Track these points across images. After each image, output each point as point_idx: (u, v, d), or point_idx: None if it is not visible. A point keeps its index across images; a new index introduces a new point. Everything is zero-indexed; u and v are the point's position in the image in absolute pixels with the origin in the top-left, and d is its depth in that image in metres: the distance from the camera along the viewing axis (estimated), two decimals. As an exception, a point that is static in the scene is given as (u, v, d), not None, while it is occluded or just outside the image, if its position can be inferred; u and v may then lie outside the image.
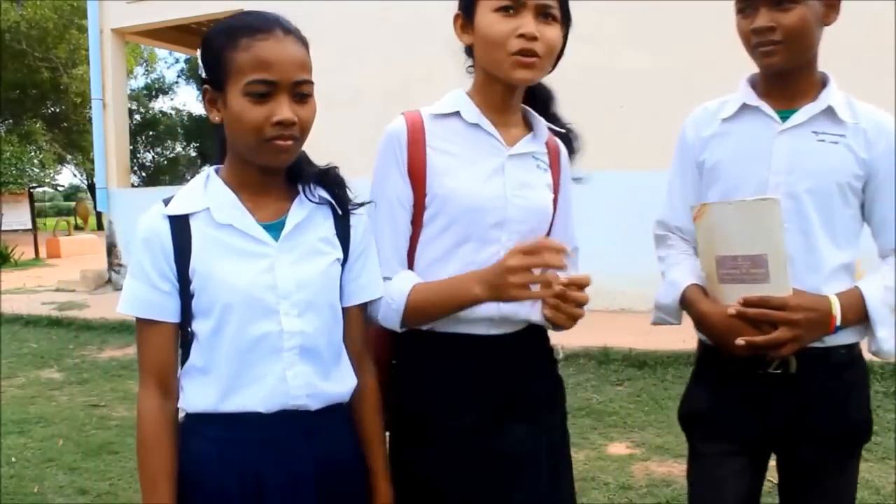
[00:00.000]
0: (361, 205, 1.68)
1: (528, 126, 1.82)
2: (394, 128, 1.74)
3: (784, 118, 1.83)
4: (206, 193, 1.56)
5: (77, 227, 26.76)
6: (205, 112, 1.58)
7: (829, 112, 1.81)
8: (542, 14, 1.65)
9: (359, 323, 1.69)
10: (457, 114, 1.75)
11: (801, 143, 1.81)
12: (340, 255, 1.62)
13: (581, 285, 1.58)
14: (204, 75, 1.55)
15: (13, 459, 4.43)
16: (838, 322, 1.74)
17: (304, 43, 1.54)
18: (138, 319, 1.55)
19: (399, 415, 1.79)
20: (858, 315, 1.77)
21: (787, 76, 1.83)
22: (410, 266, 1.75)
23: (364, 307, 1.70)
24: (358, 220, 1.66)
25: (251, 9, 1.62)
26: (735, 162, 1.87)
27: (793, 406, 1.82)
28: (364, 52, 8.90)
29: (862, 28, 6.01)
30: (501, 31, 1.63)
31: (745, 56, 1.88)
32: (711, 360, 1.93)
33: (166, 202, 1.56)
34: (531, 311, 1.73)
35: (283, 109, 1.46)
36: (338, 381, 1.61)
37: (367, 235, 1.68)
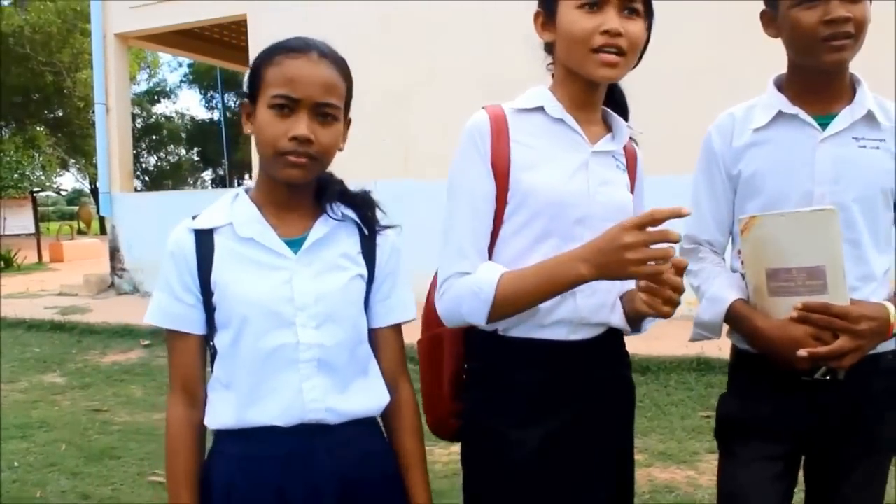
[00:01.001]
0: (389, 227, 1.70)
1: (608, 126, 1.79)
2: (476, 121, 1.70)
3: (821, 124, 1.79)
4: (233, 209, 1.61)
5: (80, 232, 26.79)
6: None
7: (868, 116, 1.78)
8: (626, 9, 1.62)
9: (393, 344, 1.71)
10: (540, 109, 1.72)
11: (844, 150, 1.77)
12: (364, 272, 1.63)
13: (680, 268, 1.49)
14: (246, 90, 1.61)
15: (15, 464, 4.42)
16: (895, 329, 1.72)
17: (341, 70, 1.58)
18: (167, 330, 1.60)
19: (470, 424, 1.77)
20: None
21: (831, 77, 1.78)
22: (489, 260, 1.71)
23: (398, 328, 1.71)
24: (384, 241, 1.68)
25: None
26: (776, 173, 1.81)
27: (839, 410, 1.79)
28: (364, 54, 8.91)
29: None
30: (585, 27, 1.61)
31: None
32: (747, 366, 1.90)
33: (195, 217, 1.61)
34: (611, 314, 1.70)
35: (300, 126, 1.50)
36: (362, 397, 1.61)
37: (393, 257, 1.69)
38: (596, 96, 1.74)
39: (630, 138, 1.83)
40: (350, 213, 1.65)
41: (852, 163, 1.76)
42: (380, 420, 1.70)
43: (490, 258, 1.69)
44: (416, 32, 8.69)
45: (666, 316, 1.54)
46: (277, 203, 1.61)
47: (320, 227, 1.61)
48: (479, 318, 1.63)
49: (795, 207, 1.73)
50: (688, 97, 6.88)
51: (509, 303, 1.61)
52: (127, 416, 5.28)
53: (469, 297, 1.62)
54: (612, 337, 1.76)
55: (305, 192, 1.62)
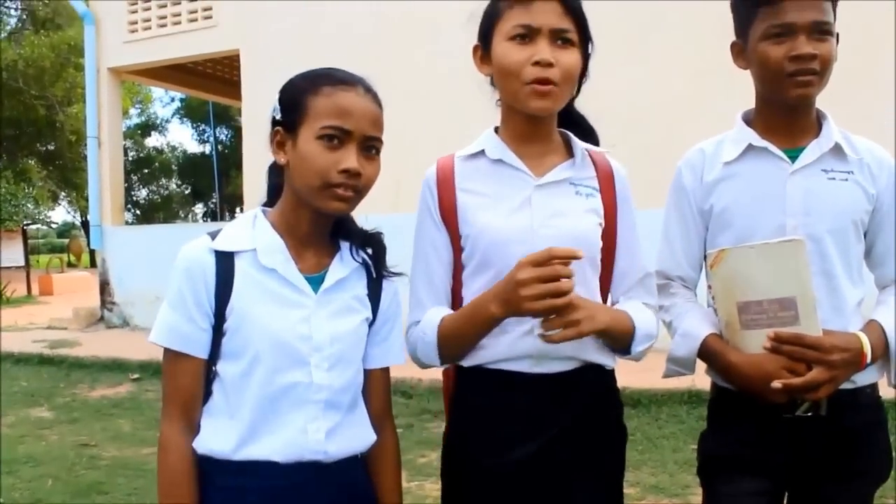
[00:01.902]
0: (396, 274, 1.70)
1: (571, 152, 1.77)
2: (427, 174, 1.77)
3: (789, 157, 1.81)
4: (255, 234, 1.58)
5: (70, 265, 26.73)
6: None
7: (836, 149, 1.81)
8: (558, 39, 1.62)
9: (383, 385, 1.72)
10: (483, 152, 1.75)
11: (814, 182, 1.79)
12: (370, 315, 1.65)
13: (571, 257, 1.51)
14: (278, 117, 1.58)
15: (1, 500, 4.36)
16: (869, 359, 1.73)
17: (380, 105, 1.59)
18: (168, 350, 1.55)
19: (445, 453, 1.79)
20: (882, 350, 1.77)
21: (797, 111, 1.81)
22: (460, 305, 1.73)
23: (387, 371, 1.73)
24: (389, 286, 1.69)
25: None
26: (747, 206, 1.82)
27: (820, 445, 1.79)
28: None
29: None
30: (516, 59, 1.62)
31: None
32: (728, 403, 1.89)
33: (213, 236, 1.57)
34: (581, 349, 1.68)
35: (351, 158, 1.50)
36: (354, 436, 1.62)
37: (395, 302, 1.71)
38: (542, 127, 1.73)
39: (600, 157, 1.80)
40: (362, 254, 1.66)
41: (823, 194, 1.79)
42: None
43: (462, 300, 1.73)
44: (408, 70, 8.76)
45: (563, 338, 1.55)
46: (299, 235, 1.59)
47: (340, 268, 1.61)
48: (432, 360, 1.71)
49: (768, 239, 1.74)
50: (675, 137, 6.96)
51: (450, 344, 1.68)
52: (115, 450, 5.23)
53: (420, 341, 1.70)
54: (593, 373, 1.73)
55: (326, 227, 1.62)
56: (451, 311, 1.72)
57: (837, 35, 1.77)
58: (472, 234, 1.70)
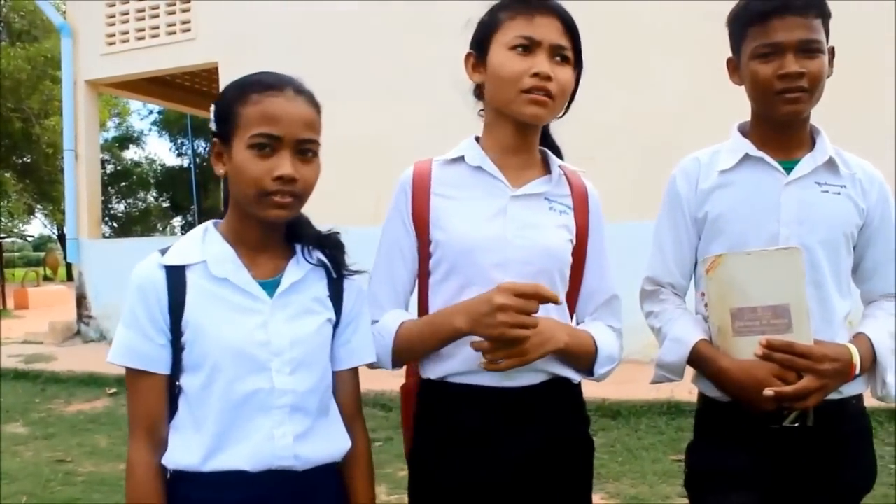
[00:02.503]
0: (357, 272, 1.69)
1: (548, 169, 1.81)
2: (401, 178, 1.78)
3: (784, 168, 1.84)
4: (204, 246, 1.57)
5: (46, 278, 26.41)
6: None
7: (829, 163, 1.84)
8: (557, 55, 1.66)
9: (351, 386, 1.70)
10: (462, 158, 1.76)
11: (808, 194, 1.82)
12: (332, 316, 1.63)
13: (553, 300, 1.57)
14: (214, 128, 1.58)
15: (-25, 518, 4.31)
16: (858, 371, 1.75)
17: (315, 105, 1.57)
18: (129, 370, 1.55)
19: (412, 467, 1.80)
20: (870, 362, 1.79)
21: (791, 126, 1.84)
22: (425, 311, 1.76)
23: (356, 371, 1.71)
24: (351, 285, 1.68)
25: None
26: (741, 214, 1.85)
27: (808, 456, 1.80)
28: (335, 101, 8.98)
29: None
30: (516, 69, 1.65)
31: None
32: (716, 414, 1.89)
33: (163, 252, 1.57)
34: (549, 362, 1.69)
35: (285, 165, 1.48)
36: (328, 442, 1.60)
37: (359, 301, 1.69)
38: (527, 139, 1.76)
39: (575, 177, 1.84)
40: (319, 255, 1.64)
41: (816, 206, 1.81)
42: None
43: (428, 305, 1.75)
44: (390, 80, 8.78)
45: (500, 369, 1.60)
46: (250, 242, 1.59)
47: (295, 271, 1.60)
48: (385, 363, 1.74)
49: (762, 247, 1.77)
50: (658, 150, 7.01)
51: (406, 350, 1.71)
52: (92, 466, 5.17)
53: (376, 343, 1.71)
54: (559, 386, 1.74)
55: (277, 231, 1.61)
56: (410, 317, 1.74)
57: (833, 50, 1.81)
58: (444, 239, 1.71)
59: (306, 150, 1.53)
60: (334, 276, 1.65)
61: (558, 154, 1.88)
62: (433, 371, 1.73)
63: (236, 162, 1.51)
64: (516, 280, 1.63)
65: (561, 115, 1.77)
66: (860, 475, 1.88)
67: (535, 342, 1.58)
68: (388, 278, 1.78)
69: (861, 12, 6.56)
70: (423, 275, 1.77)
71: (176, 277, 1.53)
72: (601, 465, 4.76)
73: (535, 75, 1.64)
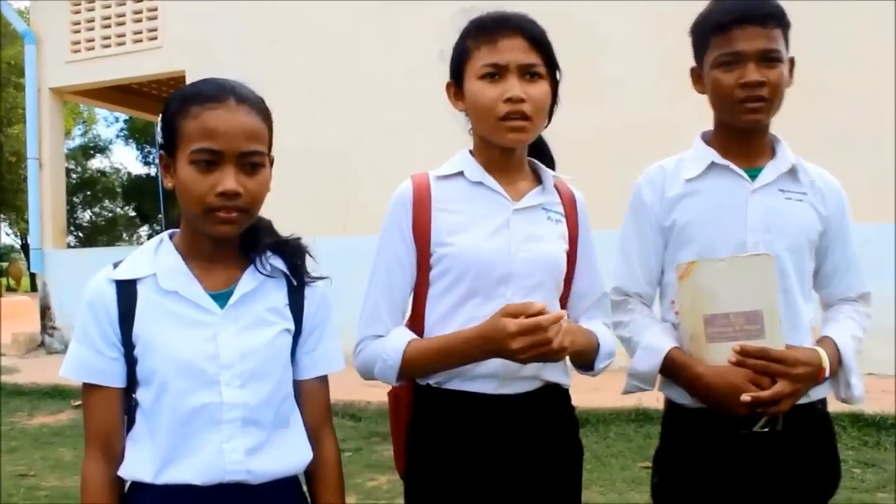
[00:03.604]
0: (318, 279, 1.66)
1: (538, 179, 1.84)
2: (400, 191, 1.78)
3: (749, 176, 1.86)
4: (156, 259, 1.55)
5: (9, 289, 26.01)
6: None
7: (791, 171, 1.87)
8: (527, 74, 1.68)
9: (317, 397, 1.67)
10: (461, 174, 1.78)
11: (773, 201, 1.85)
12: (291, 325, 1.59)
13: (556, 321, 1.58)
14: (160, 141, 1.55)
15: (-66, 534, 4.21)
16: (827, 374, 1.78)
17: (260, 112, 1.53)
18: (84, 384, 1.53)
19: (409, 474, 1.79)
20: (836, 365, 1.82)
21: (752, 134, 1.87)
22: (421, 322, 1.77)
23: (324, 380, 1.68)
24: (313, 292, 1.64)
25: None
26: (708, 222, 1.86)
27: (778, 461, 1.81)
28: (305, 110, 8.96)
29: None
30: (488, 97, 1.67)
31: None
32: (683, 421, 1.90)
33: (116, 265, 1.54)
34: (543, 369, 1.73)
35: (227, 180, 1.45)
36: (284, 456, 1.57)
37: (322, 308, 1.66)
38: (514, 158, 1.80)
39: (562, 184, 1.87)
40: (279, 263, 1.61)
41: (781, 213, 1.84)
42: (301, 476, 1.66)
43: (424, 316, 1.76)
44: (358, 89, 8.77)
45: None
46: (202, 254, 1.56)
47: (248, 282, 1.57)
48: (389, 380, 1.74)
49: (730, 255, 1.79)
50: (632, 161, 7.07)
51: (414, 369, 1.72)
52: (56, 480, 5.06)
53: (380, 361, 1.72)
54: (552, 393, 1.78)
55: (232, 242, 1.58)
56: (414, 336, 1.74)
57: (792, 59, 1.85)
58: (449, 253, 1.72)
59: (250, 162, 1.48)
60: (294, 283, 1.62)
61: (550, 156, 1.92)
62: (429, 378, 1.74)
63: (180, 178, 1.48)
64: (518, 291, 1.70)
65: (546, 126, 1.80)
66: (826, 478, 1.90)
67: (568, 340, 1.59)
68: (387, 292, 1.78)
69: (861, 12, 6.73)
70: (422, 286, 1.78)
71: (126, 291, 1.51)
72: (571, 473, 4.78)
73: (508, 100, 1.66)
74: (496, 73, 1.68)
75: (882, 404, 5.40)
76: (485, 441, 1.70)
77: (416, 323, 1.79)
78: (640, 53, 7.39)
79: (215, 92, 1.49)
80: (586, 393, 6.16)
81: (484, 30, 1.71)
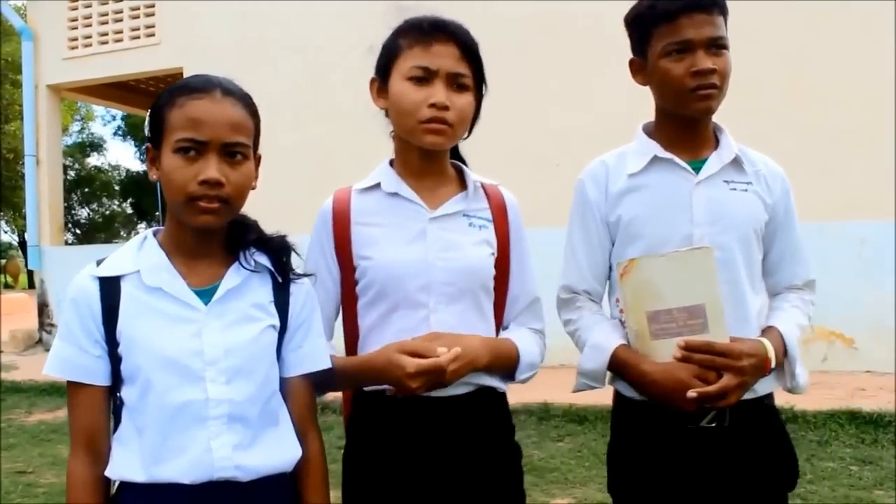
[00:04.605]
0: (304, 275, 1.66)
1: (464, 184, 1.83)
2: (323, 208, 1.80)
3: (692, 168, 1.85)
4: (140, 255, 1.55)
5: (7, 286, 26.00)
6: (144, 169, 1.59)
7: (735, 161, 1.86)
8: (455, 83, 1.69)
9: (303, 394, 1.66)
10: (379, 185, 1.79)
11: (718, 193, 1.84)
12: (276, 322, 1.59)
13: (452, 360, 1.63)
14: (147, 134, 1.55)
15: (-68, 531, 4.21)
16: (773, 365, 1.77)
17: (246, 106, 1.54)
18: (68, 382, 1.52)
19: (345, 477, 1.79)
20: (781, 355, 1.81)
21: (698, 125, 1.86)
22: (355, 333, 1.78)
23: (309, 377, 1.67)
24: (298, 289, 1.64)
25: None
26: (654, 217, 1.85)
27: (728, 457, 1.81)
28: (298, 110, 8.95)
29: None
30: (413, 100, 1.68)
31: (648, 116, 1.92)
32: (632, 415, 1.89)
33: (100, 262, 1.54)
34: (474, 374, 1.73)
35: (209, 169, 1.45)
36: (274, 452, 1.56)
37: (308, 305, 1.66)
38: (435, 161, 1.80)
39: (492, 189, 1.87)
40: (264, 260, 1.61)
41: (726, 205, 1.83)
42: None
43: (356, 325, 1.79)
44: (357, 89, 8.76)
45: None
46: (186, 250, 1.56)
47: (232, 277, 1.56)
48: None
49: (677, 249, 1.77)
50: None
51: (327, 384, 1.73)
52: (53, 477, 5.08)
53: None
54: (487, 396, 1.78)
55: (216, 237, 1.58)
56: (332, 350, 1.76)
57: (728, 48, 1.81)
58: (369, 266, 1.74)
59: (234, 153, 1.49)
60: (280, 280, 1.62)
61: (462, 159, 1.91)
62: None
63: (164, 167, 1.49)
64: (440, 300, 1.72)
65: (465, 137, 1.80)
66: (780, 473, 1.88)
67: (454, 370, 1.64)
68: None
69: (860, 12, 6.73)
70: (351, 299, 1.79)
71: (109, 288, 1.51)
72: (568, 470, 4.79)
73: (433, 105, 1.67)
74: (425, 77, 1.68)
75: (879, 402, 5.40)
76: (419, 443, 1.71)
77: (350, 331, 1.80)
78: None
79: (202, 84, 1.51)
80: (584, 391, 6.16)
81: (419, 31, 1.71)
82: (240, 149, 1.50)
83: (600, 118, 7.57)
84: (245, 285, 1.57)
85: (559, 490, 4.48)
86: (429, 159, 1.78)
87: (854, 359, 6.65)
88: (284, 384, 1.63)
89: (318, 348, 1.67)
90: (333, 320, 1.82)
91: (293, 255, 1.65)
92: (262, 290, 1.60)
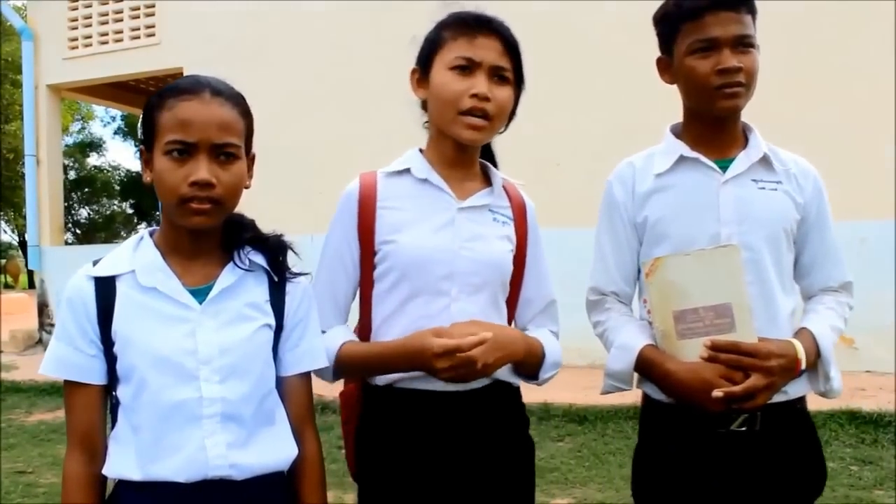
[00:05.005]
0: (300, 274, 1.66)
1: (488, 181, 1.85)
2: (348, 190, 1.80)
3: (720, 167, 1.84)
4: (135, 255, 1.55)
5: (7, 286, 26.01)
6: (137, 169, 1.59)
7: (764, 160, 1.84)
8: (496, 76, 1.70)
9: (300, 393, 1.66)
10: (408, 171, 1.79)
11: (745, 192, 1.82)
12: (271, 321, 1.59)
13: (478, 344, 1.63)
14: (141, 136, 1.56)
15: (-68, 531, 4.21)
16: (803, 366, 1.75)
17: (237, 106, 1.54)
18: (64, 381, 1.53)
19: (360, 473, 1.79)
20: (814, 357, 1.78)
21: (725, 123, 1.84)
22: (368, 321, 1.78)
23: (307, 376, 1.68)
24: (294, 288, 1.65)
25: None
26: (681, 216, 1.84)
27: (759, 461, 1.79)
28: (302, 108, 8.95)
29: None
30: (455, 89, 1.69)
31: (675, 116, 1.92)
32: (661, 418, 1.88)
33: (96, 263, 1.55)
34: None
35: (200, 170, 1.46)
36: (269, 451, 1.56)
37: (304, 304, 1.66)
38: (468, 155, 1.81)
39: (512, 188, 1.89)
40: (259, 258, 1.61)
41: (754, 203, 1.82)
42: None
43: (371, 315, 1.78)
44: (357, 88, 8.76)
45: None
46: (181, 250, 1.56)
47: (227, 277, 1.57)
48: (326, 378, 1.76)
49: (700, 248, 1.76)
50: (621, 155, 7.06)
51: (348, 371, 1.76)
52: (53, 477, 5.07)
53: None
54: (502, 390, 1.79)
55: (211, 237, 1.58)
56: (352, 335, 1.77)
57: (757, 46, 1.81)
58: (392, 250, 1.74)
59: (225, 153, 1.49)
60: (276, 279, 1.63)
61: (494, 163, 1.93)
62: (381, 378, 1.76)
63: (156, 169, 1.50)
64: (463, 289, 1.73)
65: (502, 131, 1.81)
66: (811, 478, 1.87)
67: (493, 357, 1.64)
68: (329, 290, 1.80)
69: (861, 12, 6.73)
70: (367, 285, 1.79)
71: (105, 288, 1.52)
72: (569, 470, 4.79)
73: (474, 96, 1.68)
74: (467, 67, 1.69)
75: (879, 402, 5.40)
76: (436, 437, 1.71)
77: (363, 322, 1.80)
78: (645, 48, 7.39)
79: (191, 85, 1.51)
80: (584, 390, 6.19)
81: (464, 24, 1.73)
82: (230, 149, 1.50)
83: (600, 118, 7.58)
84: (240, 284, 1.58)
85: (559, 490, 4.48)
86: (462, 151, 1.79)
87: (854, 359, 6.64)
88: (281, 383, 1.63)
89: (315, 347, 1.67)
90: (350, 303, 1.82)
91: (289, 254, 1.65)
92: (258, 290, 1.60)
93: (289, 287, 1.64)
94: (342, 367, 1.74)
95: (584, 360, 4.64)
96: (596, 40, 7.60)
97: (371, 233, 1.76)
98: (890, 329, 6.48)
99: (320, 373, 1.74)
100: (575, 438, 5.43)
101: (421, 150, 1.84)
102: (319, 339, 1.69)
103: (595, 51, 7.55)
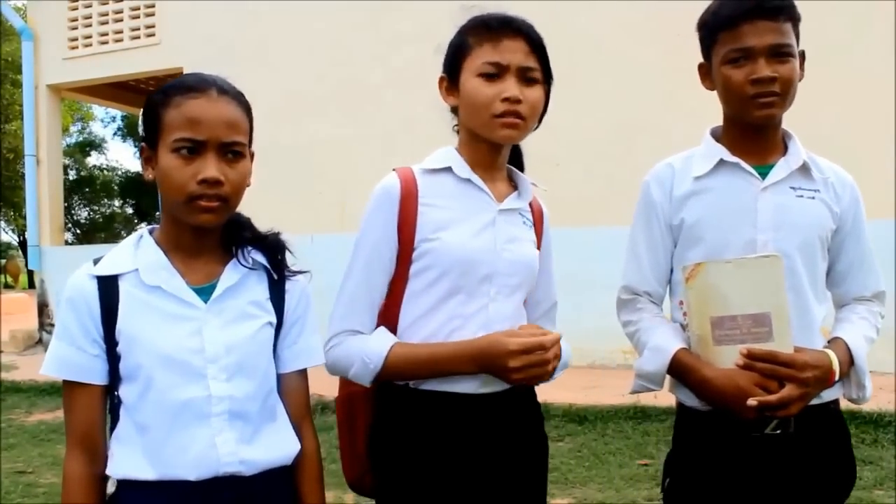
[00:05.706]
0: (299, 272, 1.67)
1: (513, 184, 1.87)
2: (386, 184, 1.77)
3: (759, 173, 1.83)
4: (137, 254, 1.55)
5: (7, 286, 26.01)
6: (137, 169, 1.59)
7: (803, 168, 1.84)
8: (525, 76, 1.71)
9: (298, 389, 1.68)
10: (448, 169, 1.78)
11: (784, 199, 1.81)
12: (273, 319, 1.60)
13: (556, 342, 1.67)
14: (142, 133, 1.55)
15: (-69, 531, 4.21)
16: (837, 377, 1.75)
17: (241, 104, 1.54)
18: (64, 381, 1.53)
19: (383, 478, 1.77)
20: (847, 367, 1.79)
21: (764, 130, 1.84)
22: (395, 319, 1.76)
23: (304, 373, 1.69)
24: (294, 286, 1.65)
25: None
26: (718, 220, 1.83)
27: (792, 463, 1.79)
28: (301, 108, 8.95)
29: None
30: (486, 95, 1.69)
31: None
32: (695, 424, 1.88)
33: (97, 261, 1.54)
34: None
35: (209, 168, 1.46)
36: (274, 446, 1.58)
37: (303, 302, 1.67)
38: (499, 157, 1.82)
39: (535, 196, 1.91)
40: (259, 257, 1.62)
41: (792, 211, 1.81)
42: None
43: (399, 313, 1.76)
44: (356, 87, 8.76)
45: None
46: (184, 248, 1.57)
47: (230, 275, 1.57)
48: (364, 381, 1.73)
49: (739, 255, 1.76)
50: (621, 155, 7.07)
51: (396, 375, 1.72)
52: (53, 477, 5.06)
53: (358, 362, 1.71)
54: (521, 388, 1.79)
55: (213, 235, 1.59)
56: (396, 339, 1.73)
57: (803, 53, 1.81)
58: (433, 247, 1.72)
59: (231, 151, 1.50)
60: (275, 277, 1.64)
61: (522, 164, 1.94)
62: (426, 381, 1.74)
63: (162, 167, 1.49)
64: (501, 290, 1.75)
65: (535, 128, 1.81)
66: (841, 479, 1.87)
67: (554, 364, 1.70)
68: (366, 286, 1.76)
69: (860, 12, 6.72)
70: (399, 284, 1.76)
71: (108, 287, 1.51)
72: (568, 470, 4.78)
73: (506, 100, 1.68)
74: (496, 73, 1.70)
75: (880, 402, 5.40)
76: (464, 439, 1.71)
77: (388, 320, 1.77)
78: (645, 52, 7.39)
79: (197, 83, 1.51)
80: (584, 390, 6.18)
81: (487, 28, 1.72)
82: (237, 147, 1.51)
83: (601, 119, 7.58)
84: (242, 283, 1.59)
85: (559, 490, 4.48)
86: (496, 153, 1.81)
87: (854, 359, 6.64)
88: (280, 380, 1.64)
89: (312, 344, 1.68)
90: (380, 303, 1.78)
91: (287, 252, 1.66)
92: (259, 288, 1.61)
93: (288, 285, 1.65)
94: (390, 369, 1.70)
95: (584, 360, 4.64)
96: (597, 40, 7.61)
97: (412, 230, 1.74)
98: (890, 329, 6.44)
99: (359, 376, 1.72)
100: (575, 438, 5.42)
101: (456, 150, 1.83)
102: (317, 336, 1.70)
103: (596, 51, 7.55)
